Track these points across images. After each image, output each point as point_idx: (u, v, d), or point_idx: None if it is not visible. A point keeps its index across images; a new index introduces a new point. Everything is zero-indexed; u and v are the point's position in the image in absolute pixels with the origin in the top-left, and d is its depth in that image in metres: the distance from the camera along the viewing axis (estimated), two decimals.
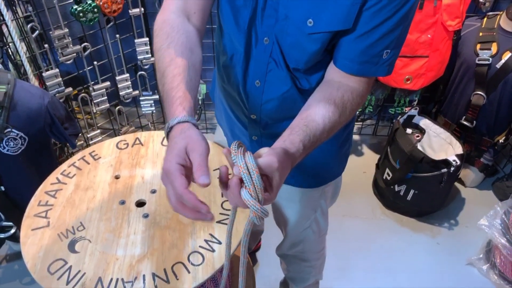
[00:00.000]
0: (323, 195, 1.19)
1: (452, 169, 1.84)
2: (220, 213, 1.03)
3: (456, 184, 2.26)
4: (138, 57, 2.09)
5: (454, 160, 1.85)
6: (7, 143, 1.43)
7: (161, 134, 1.27)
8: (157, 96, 2.22)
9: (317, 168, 1.09)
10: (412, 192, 1.98)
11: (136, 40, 2.05)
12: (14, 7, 1.71)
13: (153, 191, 1.08)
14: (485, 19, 1.89)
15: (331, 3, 0.73)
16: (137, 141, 1.24)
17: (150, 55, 2.09)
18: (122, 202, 1.05)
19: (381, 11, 0.72)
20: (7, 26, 1.63)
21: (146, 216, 1.02)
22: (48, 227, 0.99)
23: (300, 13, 0.77)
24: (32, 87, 1.52)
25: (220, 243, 0.96)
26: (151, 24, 2.09)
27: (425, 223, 2.08)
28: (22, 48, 1.72)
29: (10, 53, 1.71)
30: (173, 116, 0.70)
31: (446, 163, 1.85)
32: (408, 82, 2.01)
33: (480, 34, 1.88)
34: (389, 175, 2.04)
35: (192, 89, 0.74)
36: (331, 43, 0.81)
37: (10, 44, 1.69)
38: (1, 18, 1.61)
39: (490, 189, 2.26)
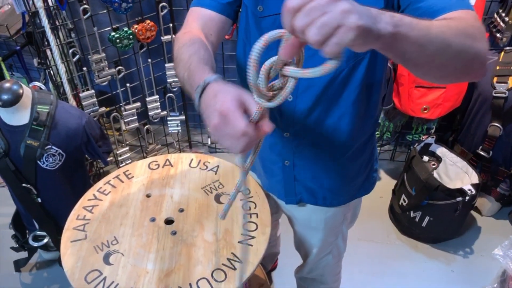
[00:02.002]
0: (344, 220, 1.25)
1: (467, 198, 1.88)
2: (241, 234, 1.11)
3: (473, 212, 2.29)
4: (168, 80, 2.22)
5: (469, 190, 1.88)
6: (46, 159, 1.55)
7: (189, 156, 1.37)
8: (183, 117, 2.34)
9: (341, 188, 1.13)
10: (427, 219, 2.02)
11: (166, 64, 2.18)
12: (58, 33, 1.86)
13: (181, 210, 1.17)
14: (502, 53, 1.95)
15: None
16: (167, 162, 1.34)
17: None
18: (153, 220, 1.14)
19: None
20: (51, 50, 1.78)
21: (174, 233, 1.11)
22: (85, 240, 1.09)
23: None
24: (72, 108, 1.65)
25: (241, 262, 1.04)
26: None
27: (440, 250, 2.11)
28: (63, 70, 1.86)
29: (52, 74, 1.85)
30: (208, 76, 0.71)
31: (461, 192, 1.89)
32: (426, 111, 2.07)
33: (497, 67, 1.94)
34: (405, 201, 2.09)
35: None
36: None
37: (53, 66, 1.83)
38: (47, 43, 1.76)
39: (507, 218, 2.27)
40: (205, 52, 0.81)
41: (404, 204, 2.09)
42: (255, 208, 1.19)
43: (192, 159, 1.36)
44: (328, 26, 0.47)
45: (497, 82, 1.92)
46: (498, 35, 1.92)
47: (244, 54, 1.01)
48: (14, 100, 1.47)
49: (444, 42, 0.62)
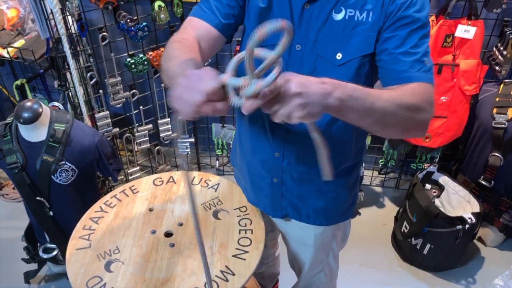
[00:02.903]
0: (334, 238, 1.30)
1: (467, 226, 1.89)
2: (236, 248, 1.17)
3: (476, 242, 2.29)
4: None
5: (469, 218, 1.90)
6: (60, 174, 1.64)
7: (191, 174, 1.45)
8: (192, 139, 2.43)
9: (329, 208, 1.20)
10: (428, 246, 2.03)
11: None
12: (78, 59, 2.00)
13: (180, 224, 1.24)
14: (502, 85, 2.00)
15: (354, 37, 0.91)
16: (171, 179, 1.42)
17: None
18: (153, 232, 1.21)
19: (397, 28, 0.89)
20: (71, 73, 1.91)
21: (172, 245, 1.17)
22: (89, 248, 1.16)
23: (330, 51, 0.94)
24: (86, 127, 1.76)
25: (234, 274, 1.09)
26: None
27: (441, 279, 2.10)
28: (80, 92, 1.99)
29: (70, 96, 1.98)
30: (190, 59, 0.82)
31: (461, 220, 1.91)
32: (427, 140, 2.12)
33: (497, 99, 1.99)
34: (406, 228, 2.11)
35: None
36: (358, 72, 0.95)
37: (71, 88, 1.96)
38: (67, 67, 1.89)
39: (511, 249, 2.26)
40: (196, 56, 0.89)
41: (406, 231, 2.11)
42: (250, 224, 1.25)
43: (194, 177, 1.43)
44: (283, 116, 0.70)
45: (496, 113, 1.97)
46: (497, 68, 1.98)
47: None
48: (34, 118, 1.58)
49: (387, 113, 0.80)
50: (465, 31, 1.87)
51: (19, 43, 2.15)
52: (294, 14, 0.95)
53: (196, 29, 1.00)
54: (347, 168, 1.16)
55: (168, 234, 1.22)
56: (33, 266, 1.97)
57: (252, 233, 1.22)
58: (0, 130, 1.65)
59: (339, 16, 0.92)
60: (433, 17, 1.97)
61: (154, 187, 1.39)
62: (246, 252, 1.16)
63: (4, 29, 2.30)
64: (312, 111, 0.70)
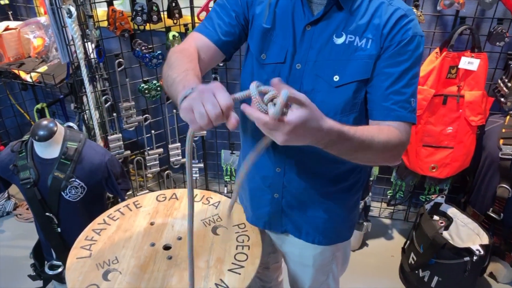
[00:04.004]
0: (334, 259, 1.30)
1: (475, 258, 1.85)
2: (232, 263, 1.18)
3: (488, 278, 2.22)
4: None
5: (477, 250, 1.86)
6: (69, 191, 1.70)
7: (195, 191, 1.48)
8: (202, 165, 2.48)
9: (328, 228, 1.21)
10: (436, 279, 1.98)
11: None
12: (94, 82, 2.11)
13: (179, 238, 1.26)
14: (508, 117, 2.01)
15: (352, 61, 0.96)
16: (174, 196, 1.45)
17: None
18: (152, 244, 1.24)
19: (393, 64, 0.94)
20: (87, 97, 2.00)
21: (169, 258, 1.19)
22: (89, 258, 1.19)
23: (328, 72, 0.98)
24: (98, 146, 1.82)
25: (227, 287, 1.10)
26: None
27: None
28: (95, 115, 2.08)
29: (85, 118, 2.07)
30: (194, 83, 0.83)
31: (468, 251, 1.87)
32: (434, 170, 2.11)
33: (503, 130, 1.99)
34: (413, 260, 2.07)
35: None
36: (355, 95, 0.99)
37: (87, 111, 2.06)
38: (84, 90, 1.99)
39: None
40: (195, 65, 0.94)
41: (413, 262, 2.07)
42: (248, 241, 1.26)
43: (196, 194, 1.47)
44: (277, 140, 0.74)
45: (503, 144, 1.97)
46: (502, 99, 1.99)
47: (249, 79, 1.12)
48: (48, 135, 1.66)
49: (369, 152, 0.88)
50: (469, 63, 1.91)
51: (42, 68, 2.28)
52: (296, 34, 1.01)
53: (196, 41, 1.06)
54: (344, 188, 1.17)
55: (166, 248, 1.24)
56: (39, 283, 1.99)
57: (249, 249, 1.23)
58: (17, 146, 1.73)
59: (339, 40, 0.97)
60: (437, 49, 2.02)
61: (157, 203, 1.42)
62: (242, 267, 1.17)
63: (29, 56, 2.45)
64: (296, 143, 0.76)
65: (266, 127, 0.71)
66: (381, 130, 0.92)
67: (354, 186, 1.19)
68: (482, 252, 1.86)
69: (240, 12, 1.06)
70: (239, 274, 1.14)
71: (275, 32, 1.02)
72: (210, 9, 2.02)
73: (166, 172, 2.49)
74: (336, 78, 0.98)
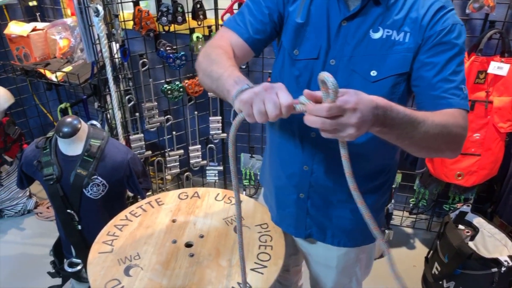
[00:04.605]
0: (358, 262, 1.26)
1: (503, 269, 1.78)
2: (254, 262, 1.16)
3: None
4: (210, 132, 2.39)
5: (505, 261, 1.79)
6: (91, 188, 1.70)
7: (216, 191, 1.47)
8: (221, 168, 2.47)
9: (354, 230, 1.18)
10: None
11: (210, 118, 2.37)
12: (118, 83, 2.12)
13: (201, 236, 1.25)
14: None
15: (390, 55, 0.94)
16: (196, 194, 1.44)
17: (220, 131, 2.39)
18: (174, 241, 1.22)
19: (437, 53, 0.92)
20: (111, 96, 2.02)
21: (191, 255, 1.17)
22: (111, 253, 1.19)
23: (365, 67, 0.96)
24: (120, 145, 1.83)
25: (250, 287, 1.08)
26: (225, 105, 2.41)
27: None
28: (118, 115, 2.09)
29: (108, 117, 2.08)
30: (244, 79, 0.84)
31: (496, 262, 1.80)
32: (460, 178, 2.05)
33: None
34: (437, 270, 2.01)
35: None
36: (392, 90, 0.97)
37: (110, 110, 2.07)
38: (108, 90, 2.01)
39: None
40: (235, 63, 0.95)
41: (437, 272, 2.01)
42: (270, 241, 1.24)
43: (218, 194, 1.45)
44: (340, 135, 0.73)
45: None
46: None
47: (280, 77, 1.11)
48: (72, 132, 1.67)
49: (428, 134, 0.83)
50: (498, 68, 1.86)
51: (67, 68, 2.31)
52: (331, 30, 0.99)
53: (230, 39, 1.05)
54: (373, 188, 1.14)
55: (188, 245, 1.22)
56: (57, 281, 1.99)
57: (272, 249, 1.21)
58: (41, 143, 1.74)
59: (376, 35, 0.96)
60: (465, 53, 1.97)
61: (179, 201, 1.41)
62: (265, 267, 1.14)
63: (55, 57, 2.49)
64: (364, 127, 0.72)
65: (331, 126, 0.70)
66: (436, 113, 0.89)
67: (383, 187, 1.16)
68: (510, 263, 1.79)
69: (274, 9, 1.04)
70: (262, 274, 1.12)
71: (308, 28, 1.01)
72: (234, 11, 2.03)
73: (185, 174, 2.49)
74: (373, 73, 0.96)
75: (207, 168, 2.46)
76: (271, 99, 0.72)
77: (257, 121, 0.75)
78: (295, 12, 1.02)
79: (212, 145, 2.43)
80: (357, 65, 0.97)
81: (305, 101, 0.73)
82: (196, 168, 2.45)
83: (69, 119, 1.69)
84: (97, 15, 1.74)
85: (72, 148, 1.71)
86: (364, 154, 1.04)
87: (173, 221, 1.31)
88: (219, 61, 0.94)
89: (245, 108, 0.75)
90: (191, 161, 2.41)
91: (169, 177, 2.43)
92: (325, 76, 0.69)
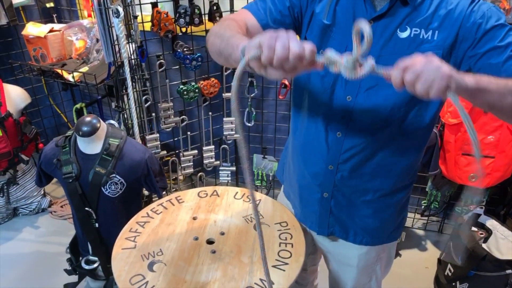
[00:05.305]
0: (378, 261, 1.27)
1: None
2: (276, 259, 1.17)
3: None
4: (224, 133, 2.42)
5: None
6: (109, 186, 1.73)
7: (234, 189, 1.49)
8: (234, 168, 2.49)
9: (377, 228, 1.19)
10: None
11: (224, 119, 2.39)
12: (135, 83, 2.15)
13: (222, 233, 1.26)
14: None
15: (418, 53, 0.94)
16: (215, 193, 1.46)
17: (234, 132, 2.41)
18: (196, 238, 1.24)
19: (489, 42, 0.90)
20: (127, 96, 2.05)
21: (213, 252, 1.19)
22: (134, 249, 1.21)
23: (392, 66, 0.96)
24: (138, 144, 1.86)
25: (272, 283, 1.09)
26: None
27: None
28: (135, 115, 2.12)
29: (125, 117, 2.11)
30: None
31: (510, 264, 1.80)
32: (473, 180, 2.06)
33: None
34: (450, 271, 2.01)
35: None
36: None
37: (127, 110, 2.10)
38: (125, 90, 2.04)
39: None
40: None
41: (450, 274, 2.01)
42: (291, 238, 1.25)
43: (237, 192, 1.47)
44: (427, 81, 0.71)
45: None
46: None
47: (306, 77, 1.11)
48: (92, 131, 1.70)
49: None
50: None
51: (84, 69, 2.35)
52: None
53: (247, 19, 1.03)
54: (399, 187, 1.16)
55: (210, 242, 1.24)
56: (74, 278, 2.02)
57: (292, 246, 1.22)
58: (61, 141, 1.77)
59: (404, 34, 0.96)
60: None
61: (198, 199, 1.43)
62: (286, 263, 1.16)
63: (71, 57, 2.52)
64: (451, 75, 0.71)
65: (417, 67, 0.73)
66: None
67: (410, 186, 1.18)
68: None
69: (296, 4, 1.05)
70: (284, 270, 1.14)
71: (335, 28, 1.02)
72: None
73: (199, 174, 2.51)
74: None
75: (220, 168, 2.49)
76: (283, 42, 0.68)
77: (273, 63, 0.69)
78: (321, 13, 1.03)
79: (226, 146, 2.45)
80: (385, 64, 0.98)
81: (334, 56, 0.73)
82: (209, 169, 2.47)
83: (88, 118, 1.72)
84: (117, 16, 1.77)
85: (91, 146, 1.73)
86: (403, 148, 1.06)
87: (194, 218, 1.33)
88: (231, 28, 0.92)
89: (266, 42, 0.69)
90: (205, 161, 2.43)
91: (181, 177, 2.45)
92: (361, 26, 0.68)
